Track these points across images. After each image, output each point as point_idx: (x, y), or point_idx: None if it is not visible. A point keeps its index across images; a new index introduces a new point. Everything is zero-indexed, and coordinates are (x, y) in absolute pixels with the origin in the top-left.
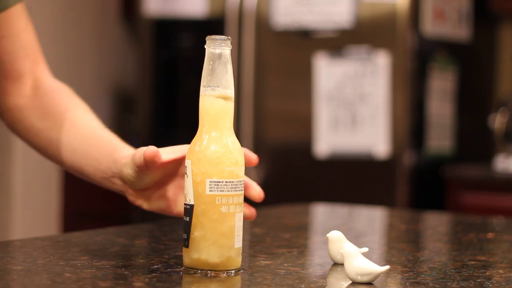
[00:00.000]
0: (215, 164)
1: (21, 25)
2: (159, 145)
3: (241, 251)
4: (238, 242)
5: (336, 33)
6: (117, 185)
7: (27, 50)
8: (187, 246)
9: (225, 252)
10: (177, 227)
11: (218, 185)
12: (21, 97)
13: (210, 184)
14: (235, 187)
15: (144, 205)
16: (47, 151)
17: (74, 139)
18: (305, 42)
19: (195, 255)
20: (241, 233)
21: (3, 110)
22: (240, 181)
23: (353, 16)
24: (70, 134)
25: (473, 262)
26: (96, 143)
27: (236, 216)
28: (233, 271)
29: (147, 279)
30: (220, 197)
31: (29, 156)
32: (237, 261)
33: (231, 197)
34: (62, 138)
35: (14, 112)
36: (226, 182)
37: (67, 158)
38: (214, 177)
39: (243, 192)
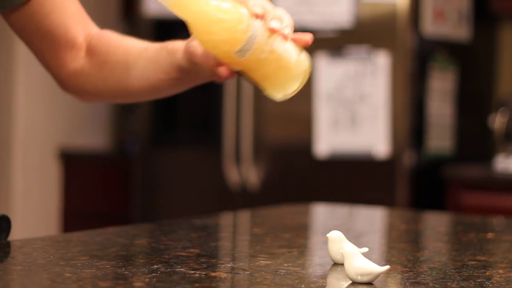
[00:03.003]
0: (224, 41)
1: None
2: (159, 145)
3: (302, 52)
4: (291, 55)
5: (336, 33)
6: (200, 77)
7: (76, 18)
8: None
9: (291, 73)
10: (177, 227)
11: (242, 51)
12: (80, 59)
13: (237, 54)
14: (254, 37)
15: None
16: (119, 94)
17: (134, 68)
18: None
19: (279, 95)
20: (289, 46)
21: (65, 79)
22: (254, 29)
23: (353, 16)
24: (128, 65)
25: (473, 262)
26: (154, 58)
27: (274, 47)
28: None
29: (147, 279)
30: (252, 54)
31: (29, 156)
32: (306, 61)
33: (260, 46)
34: (125, 73)
35: (76, 75)
36: (246, 43)
37: (138, 87)
38: (234, 48)
39: (263, 26)
